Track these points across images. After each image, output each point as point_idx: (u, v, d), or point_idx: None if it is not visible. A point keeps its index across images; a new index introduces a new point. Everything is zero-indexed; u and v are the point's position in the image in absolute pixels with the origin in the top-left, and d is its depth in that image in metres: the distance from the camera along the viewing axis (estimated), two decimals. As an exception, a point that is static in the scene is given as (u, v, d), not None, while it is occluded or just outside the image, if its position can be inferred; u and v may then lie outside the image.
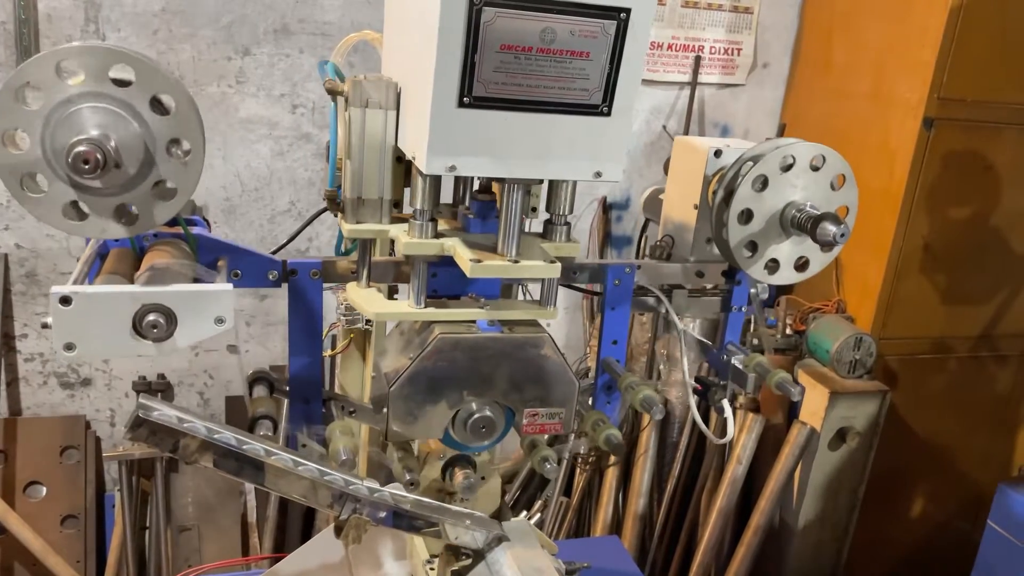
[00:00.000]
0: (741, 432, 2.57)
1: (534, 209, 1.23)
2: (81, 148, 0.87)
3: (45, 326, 0.89)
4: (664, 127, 3.10)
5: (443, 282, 1.23)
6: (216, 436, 0.96)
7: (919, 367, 2.76)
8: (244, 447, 0.98)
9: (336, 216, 1.17)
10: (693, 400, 1.40)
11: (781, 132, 3.01)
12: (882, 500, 2.81)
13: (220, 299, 0.94)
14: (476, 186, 1.19)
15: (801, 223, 1.21)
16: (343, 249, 1.35)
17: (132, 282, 0.98)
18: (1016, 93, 2.58)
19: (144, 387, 2.82)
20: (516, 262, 1.05)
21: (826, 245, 1.18)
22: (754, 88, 3.24)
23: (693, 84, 3.03)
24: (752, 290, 1.44)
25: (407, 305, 1.14)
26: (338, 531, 1.12)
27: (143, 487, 2.71)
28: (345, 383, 1.66)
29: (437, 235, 1.10)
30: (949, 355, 2.79)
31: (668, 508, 2.73)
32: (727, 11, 3.09)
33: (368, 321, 1.69)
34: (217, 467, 0.98)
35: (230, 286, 0.94)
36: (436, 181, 1.08)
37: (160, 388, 2.84)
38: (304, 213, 2.84)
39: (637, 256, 2.95)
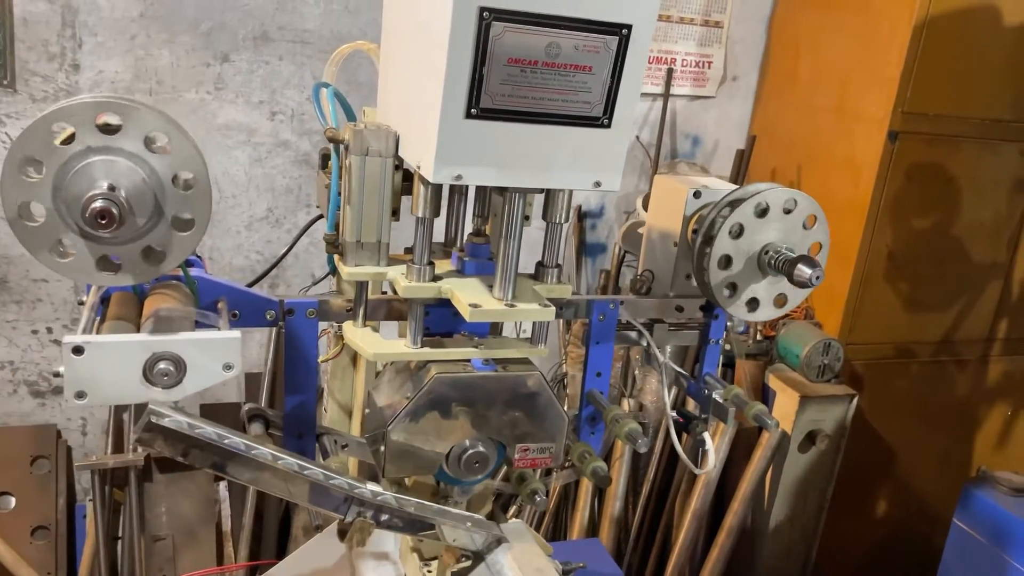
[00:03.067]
0: (715, 436, 2.65)
1: (527, 217, 1.26)
2: (96, 205, 0.89)
3: (57, 375, 0.92)
4: (637, 137, 3.15)
5: (435, 320, 1.27)
6: (226, 442, 1.00)
7: (884, 371, 2.86)
8: (252, 452, 1.02)
9: (333, 258, 1.21)
10: (673, 432, 1.45)
11: (751, 144, 3.07)
12: (848, 501, 2.91)
13: (228, 346, 0.97)
14: (471, 228, 1.22)
15: (778, 265, 1.26)
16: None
17: (138, 328, 1.01)
18: (976, 108, 2.67)
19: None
20: (512, 306, 1.09)
21: (802, 286, 1.23)
22: (724, 100, 3.31)
23: (665, 96, 3.08)
24: (729, 323, 1.50)
25: (404, 344, 1.17)
26: (342, 534, 1.15)
27: (115, 497, 2.71)
28: (333, 389, 1.69)
29: (435, 278, 1.14)
30: (912, 360, 2.90)
31: (643, 511, 2.80)
32: (698, 25, 3.15)
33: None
34: (225, 472, 1.02)
35: (237, 333, 0.97)
36: (438, 191, 1.11)
37: (136, 395, 2.83)
38: (282, 220, 2.85)
39: (615, 279, 2.98)
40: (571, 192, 1.15)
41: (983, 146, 2.72)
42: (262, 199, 2.81)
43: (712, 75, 3.23)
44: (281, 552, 2.65)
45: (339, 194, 1.15)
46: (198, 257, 1.21)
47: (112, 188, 0.92)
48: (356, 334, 1.19)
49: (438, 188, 1.11)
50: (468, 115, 0.99)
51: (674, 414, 1.44)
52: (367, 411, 1.25)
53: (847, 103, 2.78)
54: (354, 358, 1.63)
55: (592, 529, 2.75)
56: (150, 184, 0.95)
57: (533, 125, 1.02)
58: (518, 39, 0.97)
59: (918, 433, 2.99)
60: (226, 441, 1.00)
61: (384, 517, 1.12)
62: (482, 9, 0.93)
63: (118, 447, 2.70)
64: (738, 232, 1.27)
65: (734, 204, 1.28)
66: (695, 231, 1.37)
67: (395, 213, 1.18)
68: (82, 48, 2.52)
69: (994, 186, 2.79)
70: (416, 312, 1.15)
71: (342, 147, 1.12)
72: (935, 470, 3.06)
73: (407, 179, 1.16)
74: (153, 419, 0.95)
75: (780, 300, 1.34)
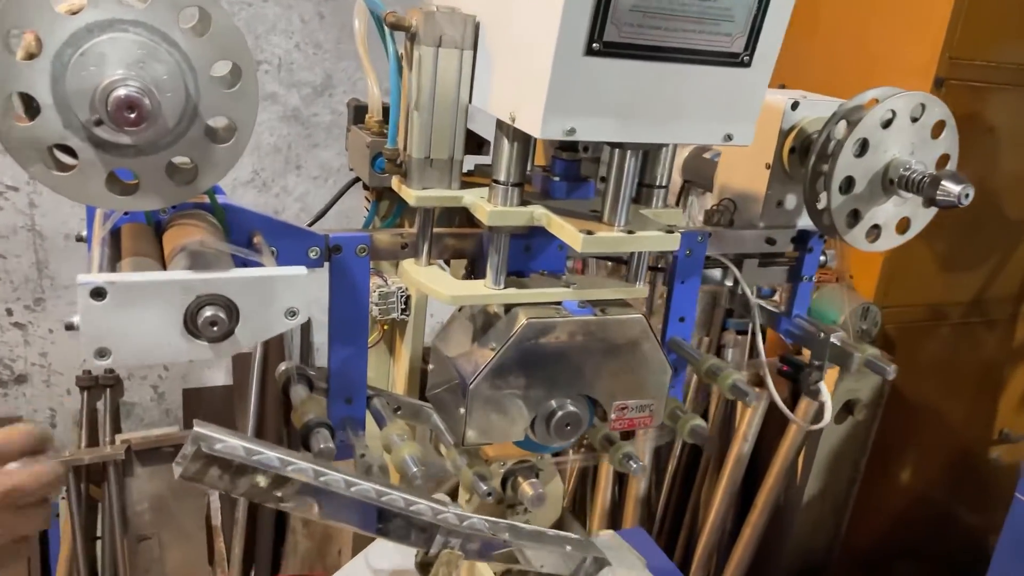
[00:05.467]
0: (747, 409, 2.47)
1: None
2: (120, 93, 0.66)
3: (70, 327, 0.69)
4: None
5: (508, 258, 1.06)
6: (291, 468, 0.78)
7: (915, 335, 2.71)
8: (322, 479, 0.79)
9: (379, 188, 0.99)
10: (770, 383, 1.26)
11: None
12: (878, 470, 2.77)
13: (292, 286, 0.75)
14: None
15: (913, 184, 1.08)
16: (373, 226, 1.17)
17: (164, 267, 0.78)
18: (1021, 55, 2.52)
19: (90, 383, 2.54)
20: (631, 233, 0.89)
21: (947, 207, 1.05)
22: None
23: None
24: (822, 257, 1.32)
25: (484, 286, 0.96)
26: (424, 569, 0.94)
27: (92, 494, 2.44)
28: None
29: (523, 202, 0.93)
30: (943, 322, 2.75)
31: (669, 491, 2.62)
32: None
33: (405, 310, 1.50)
34: (285, 504, 0.79)
35: (303, 270, 0.75)
36: (526, 146, 0.90)
37: (108, 383, 2.56)
38: (269, 183, 2.60)
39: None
40: (675, 147, 0.99)
41: (1024, 95, 2.58)
42: (247, 160, 2.55)
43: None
44: (278, 546, 2.41)
45: (401, 98, 0.93)
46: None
47: (140, 75, 0.69)
48: (422, 274, 0.97)
49: (527, 145, 0.90)
50: (589, 51, 0.78)
51: (778, 362, 1.25)
52: (432, 367, 1.04)
53: (893, 48, 2.62)
54: (392, 346, 1.40)
55: (613, 511, 2.56)
56: (183, 74, 0.72)
57: (661, 64, 0.82)
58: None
59: (945, 397, 2.85)
60: (291, 468, 0.78)
61: (474, 546, 0.90)
62: None
63: (92, 440, 2.44)
64: (861, 148, 1.08)
65: (852, 115, 1.09)
66: (793, 150, 1.18)
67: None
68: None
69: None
70: (500, 245, 0.94)
71: (406, 38, 0.90)
72: (959, 434, 2.94)
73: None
74: (203, 447, 0.72)
75: (903, 224, 1.16)
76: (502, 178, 0.91)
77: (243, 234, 0.93)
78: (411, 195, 0.93)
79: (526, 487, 1.11)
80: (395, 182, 0.97)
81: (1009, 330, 2.92)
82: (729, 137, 0.87)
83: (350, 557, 2.29)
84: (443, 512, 0.87)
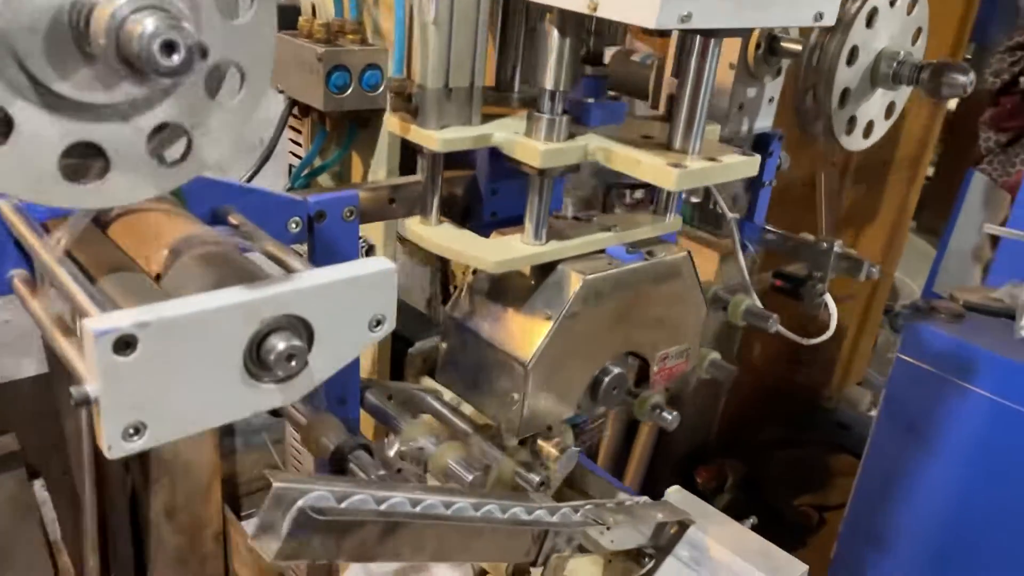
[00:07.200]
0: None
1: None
2: (149, 24, 0.41)
3: (84, 402, 0.44)
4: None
5: (504, 203, 0.89)
6: (387, 505, 0.58)
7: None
8: (420, 507, 0.61)
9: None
10: (757, 300, 1.19)
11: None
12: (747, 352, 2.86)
13: (380, 287, 0.54)
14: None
15: (909, 77, 1.02)
16: (305, 172, 0.94)
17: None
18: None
19: None
20: (716, 161, 0.74)
21: (951, 98, 1.01)
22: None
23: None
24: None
25: (521, 241, 0.78)
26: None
27: None
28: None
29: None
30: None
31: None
32: None
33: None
34: (400, 555, 0.59)
35: (390, 263, 0.54)
36: (576, 58, 0.72)
37: None
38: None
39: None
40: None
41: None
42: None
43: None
44: (140, 547, 2.08)
45: (408, 18, 0.71)
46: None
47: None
48: (448, 238, 0.78)
49: (578, 47, 0.72)
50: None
51: (771, 278, 1.18)
52: (448, 345, 0.85)
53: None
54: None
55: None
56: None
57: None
58: None
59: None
60: (388, 504, 0.58)
61: (575, 542, 0.75)
62: None
63: None
64: (851, 55, 1.01)
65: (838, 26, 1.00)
66: (759, 46, 1.08)
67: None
68: None
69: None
70: (544, 191, 0.76)
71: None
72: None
73: None
74: (311, 510, 0.50)
75: (890, 110, 1.11)
76: (546, 105, 0.72)
77: (204, 211, 0.68)
78: (432, 138, 0.72)
79: (549, 448, 0.96)
80: (394, 122, 0.75)
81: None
82: (820, 16, 0.74)
83: (229, 541, 2.04)
84: (560, 510, 0.71)
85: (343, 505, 0.54)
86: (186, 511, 2.13)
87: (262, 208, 0.71)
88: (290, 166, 1.01)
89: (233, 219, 0.67)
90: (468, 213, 0.90)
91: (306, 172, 0.96)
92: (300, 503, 0.51)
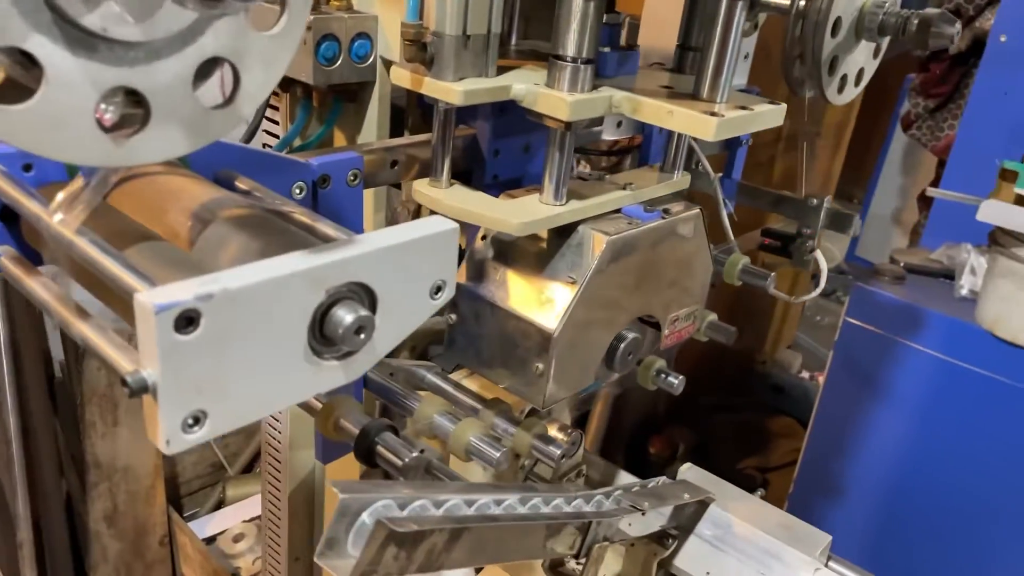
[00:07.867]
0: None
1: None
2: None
3: (141, 391, 0.37)
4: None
5: (506, 163, 0.84)
6: (445, 507, 0.53)
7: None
8: (474, 508, 0.55)
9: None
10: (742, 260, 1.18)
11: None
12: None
13: (442, 249, 0.48)
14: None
15: (894, 28, 1.01)
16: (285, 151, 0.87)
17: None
18: None
19: None
20: (748, 109, 0.71)
21: (935, 49, 1.00)
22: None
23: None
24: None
25: (541, 202, 0.74)
26: (554, 571, 0.74)
27: None
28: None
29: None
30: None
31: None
32: None
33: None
34: (447, 559, 0.54)
35: (453, 223, 0.48)
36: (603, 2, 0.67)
37: None
38: None
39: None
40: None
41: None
42: None
43: None
44: (79, 558, 1.95)
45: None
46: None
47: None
48: (465, 200, 0.72)
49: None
50: None
51: (760, 236, 1.16)
52: (456, 316, 0.80)
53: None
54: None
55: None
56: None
57: None
58: None
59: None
60: (446, 506, 0.53)
61: (614, 530, 0.71)
62: None
63: None
64: (835, 27, 0.98)
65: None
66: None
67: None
68: None
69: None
70: (567, 146, 0.71)
71: None
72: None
73: None
74: (393, 524, 0.45)
75: (860, 75, 1.10)
76: (571, 51, 0.67)
77: (207, 174, 0.61)
78: (451, 91, 0.66)
79: (556, 432, 0.93)
80: (404, 75, 0.69)
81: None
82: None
83: (175, 544, 1.92)
84: (596, 497, 0.67)
85: (405, 513, 0.48)
86: (128, 516, 2.01)
87: (263, 172, 0.64)
88: (264, 145, 0.93)
89: (241, 183, 0.60)
90: (467, 177, 0.84)
91: (286, 152, 0.89)
92: (377, 516, 0.45)
